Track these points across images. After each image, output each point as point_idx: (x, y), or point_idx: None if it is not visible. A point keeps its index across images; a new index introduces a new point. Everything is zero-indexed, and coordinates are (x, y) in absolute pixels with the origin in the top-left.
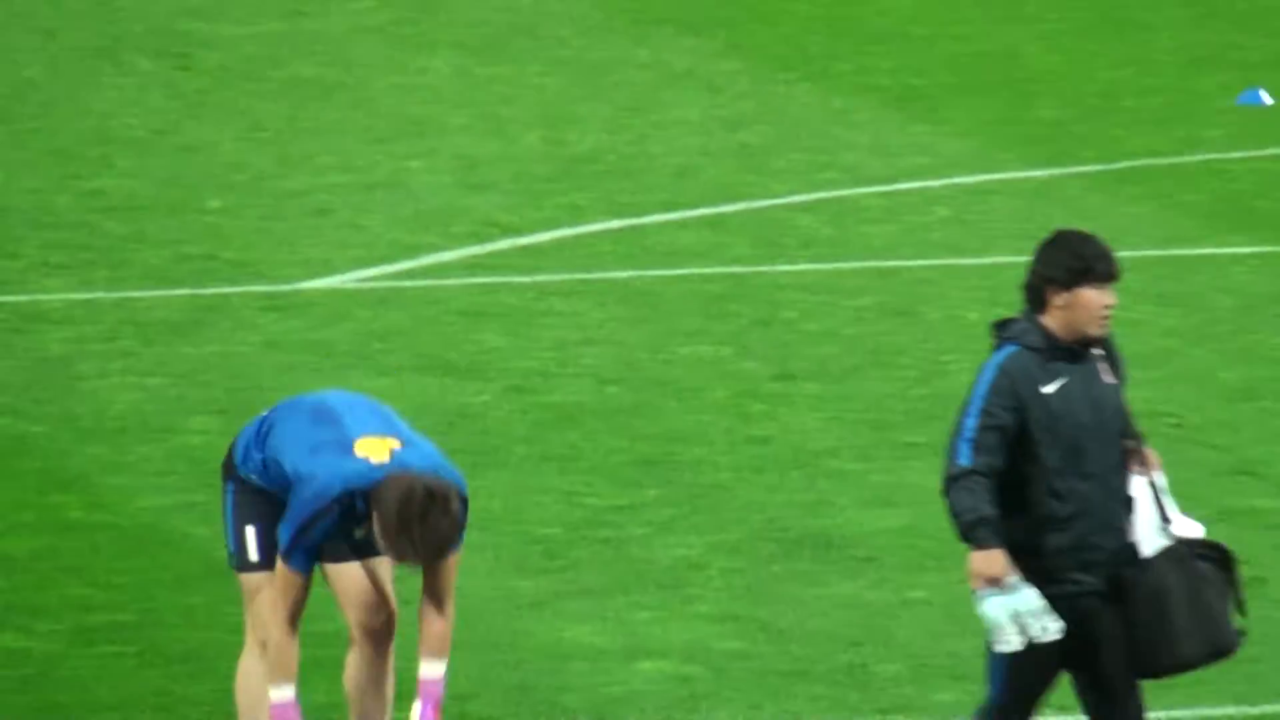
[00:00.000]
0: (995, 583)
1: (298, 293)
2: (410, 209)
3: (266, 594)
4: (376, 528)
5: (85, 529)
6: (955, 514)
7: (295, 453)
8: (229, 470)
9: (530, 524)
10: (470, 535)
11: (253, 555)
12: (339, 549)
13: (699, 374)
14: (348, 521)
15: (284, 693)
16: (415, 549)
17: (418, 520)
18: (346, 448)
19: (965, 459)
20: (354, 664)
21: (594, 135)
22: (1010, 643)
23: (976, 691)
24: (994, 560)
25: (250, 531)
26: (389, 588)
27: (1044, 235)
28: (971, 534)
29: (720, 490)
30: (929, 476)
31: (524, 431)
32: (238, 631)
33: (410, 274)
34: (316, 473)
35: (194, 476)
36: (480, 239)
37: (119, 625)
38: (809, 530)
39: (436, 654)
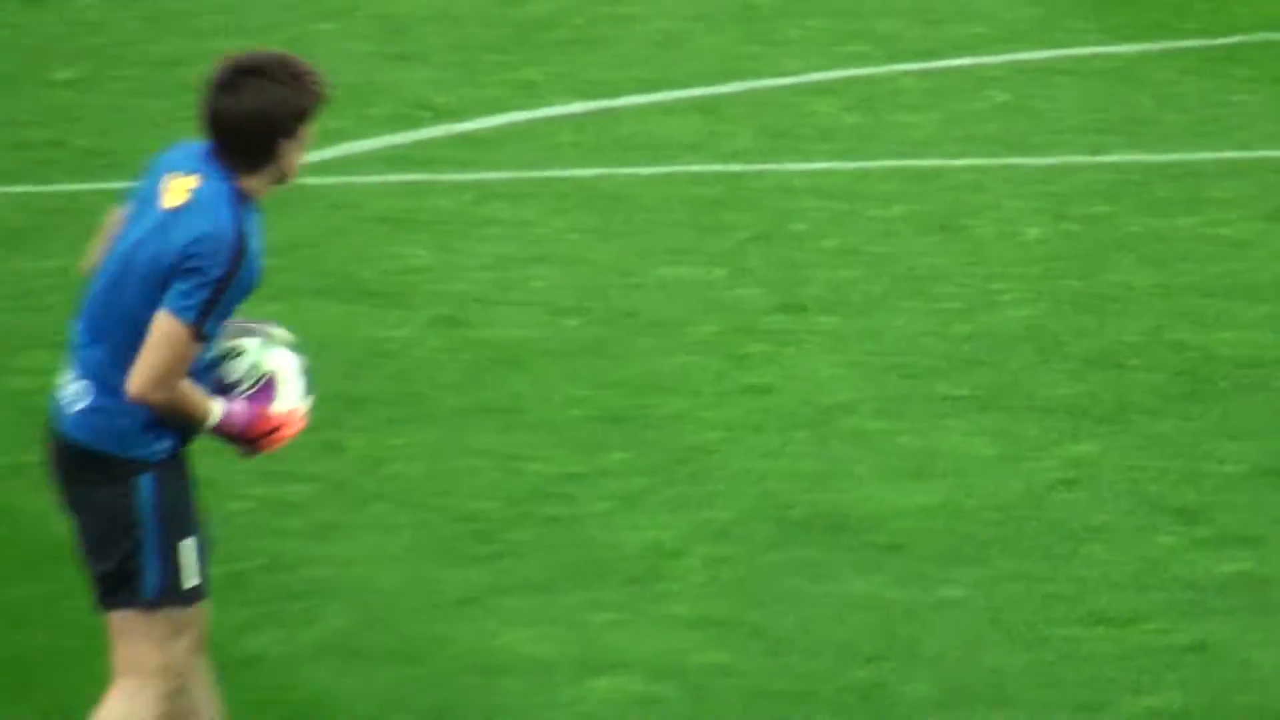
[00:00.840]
0: None
1: None
2: None
3: (165, 369)
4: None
5: None
6: None
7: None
8: (127, 461)
9: (459, 496)
10: (378, 510)
11: (190, 579)
12: None
13: (682, 303)
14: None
15: (216, 403)
16: (306, 72)
17: (280, 63)
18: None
19: None
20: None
21: None
22: None
23: None
24: None
25: (189, 546)
26: None
27: (1127, 129)
28: None
29: (705, 455)
30: (974, 440)
31: (455, 376)
32: (77, 634)
33: (314, 169)
34: (205, 230)
35: (25, 430)
36: (406, 124)
37: None
38: (818, 508)
39: None
